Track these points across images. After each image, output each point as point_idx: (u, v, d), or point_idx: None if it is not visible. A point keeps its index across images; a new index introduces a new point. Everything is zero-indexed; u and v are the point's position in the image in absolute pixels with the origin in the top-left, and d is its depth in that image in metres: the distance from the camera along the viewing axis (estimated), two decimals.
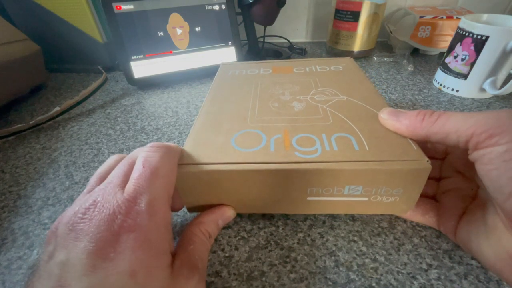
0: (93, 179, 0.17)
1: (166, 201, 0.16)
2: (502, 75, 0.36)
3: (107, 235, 0.13)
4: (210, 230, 0.19)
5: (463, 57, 0.37)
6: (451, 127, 0.15)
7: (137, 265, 0.13)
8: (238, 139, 0.20)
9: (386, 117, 0.19)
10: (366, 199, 0.19)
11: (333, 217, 0.22)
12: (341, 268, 0.19)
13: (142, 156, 0.16)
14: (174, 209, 0.20)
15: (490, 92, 0.36)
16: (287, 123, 0.21)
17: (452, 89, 0.40)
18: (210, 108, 0.24)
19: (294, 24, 0.66)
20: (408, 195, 0.18)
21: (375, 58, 0.53)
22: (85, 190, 0.16)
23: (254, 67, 0.32)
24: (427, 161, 0.17)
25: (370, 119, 0.21)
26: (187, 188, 0.19)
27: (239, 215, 0.22)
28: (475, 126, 0.14)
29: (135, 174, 0.15)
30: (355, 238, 0.20)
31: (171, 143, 0.19)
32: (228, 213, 0.20)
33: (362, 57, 0.54)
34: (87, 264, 0.12)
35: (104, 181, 0.16)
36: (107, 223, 0.13)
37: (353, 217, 0.22)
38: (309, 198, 0.19)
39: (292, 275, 0.18)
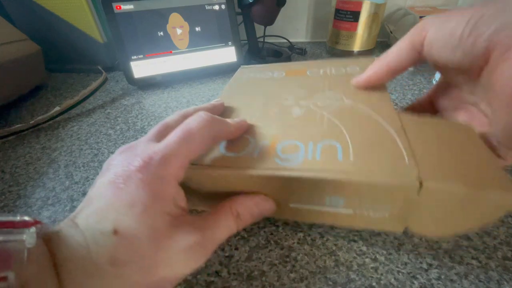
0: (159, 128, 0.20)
1: (182, 162, 0.16)
2: None
3: (123, 170, 0.15)
4: (240, 210, 0.18)
5: None
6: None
7: (137, 199, 0.14)
8: (227, 142, 0.20)
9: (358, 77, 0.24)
10: (350, 211, 0.18)
11: None
12: (341, 268, 0.19)
13: (190, 118, 0.18)
14: None
15: None
16: (279, 129, 0.21)
17: None
18: None
19: (294, 24, 0.66)
20: (397, 213, 0.16)
21: (375, 58, 0.53)
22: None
23: (269, 69, 0.31)
24: (417, 178, 0.14)
25: (368, 126, 0.19)
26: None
27: None
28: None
29: (171, 133, 0.17)
30: (355, 238, 0.20)
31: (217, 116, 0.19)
32: (265, 204, 0.19)
33: (362, 57, 0.54)
34: (106, 189, 0.14)
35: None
36: (127, 161, 0.15)
37: None
38: (291, 205, 0.19)
39: (292, 275, 0.18)
